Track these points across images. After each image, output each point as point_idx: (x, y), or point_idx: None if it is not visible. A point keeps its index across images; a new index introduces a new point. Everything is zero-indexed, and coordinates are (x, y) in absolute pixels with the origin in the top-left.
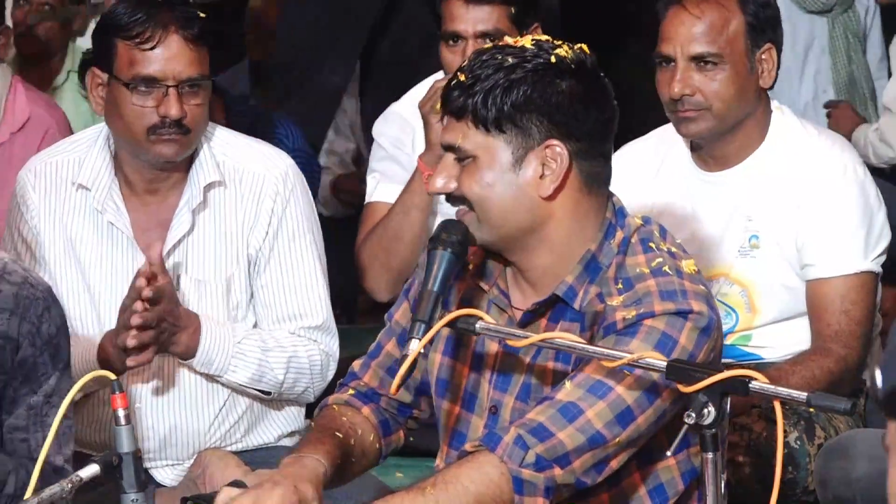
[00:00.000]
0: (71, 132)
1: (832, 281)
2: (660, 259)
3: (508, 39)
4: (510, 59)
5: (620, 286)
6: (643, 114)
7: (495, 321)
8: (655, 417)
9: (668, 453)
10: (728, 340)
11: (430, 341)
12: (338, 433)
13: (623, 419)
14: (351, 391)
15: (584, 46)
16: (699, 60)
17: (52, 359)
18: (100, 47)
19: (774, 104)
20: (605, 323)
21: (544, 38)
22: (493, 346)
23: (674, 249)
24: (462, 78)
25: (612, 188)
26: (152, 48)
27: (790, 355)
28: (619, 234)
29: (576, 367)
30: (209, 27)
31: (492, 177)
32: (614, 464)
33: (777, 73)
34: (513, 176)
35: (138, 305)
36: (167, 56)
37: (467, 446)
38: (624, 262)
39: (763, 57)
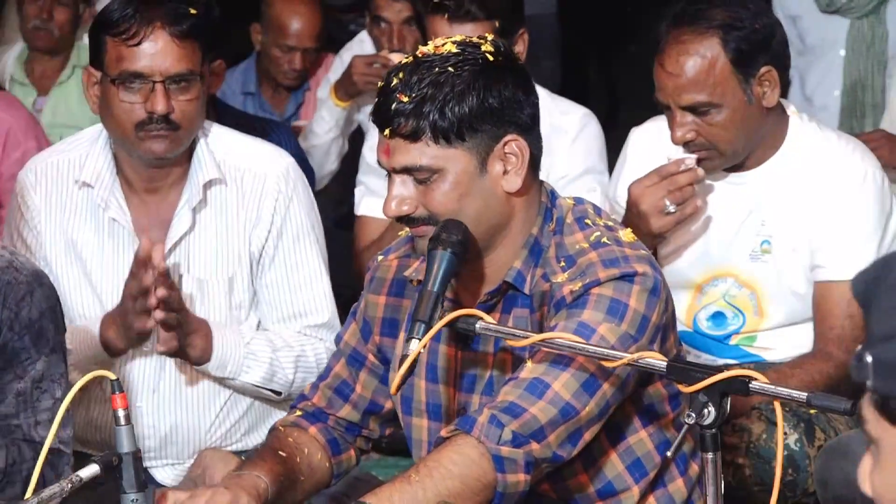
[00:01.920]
0: (39, 131)
1: (840, 284)
2: (598, 233)
3: (425, 49)
4: (449, 68)
5: (563, 264)
6: (640, 113)
7: (449, 332)
8: (620, 383)
9: (668, 453)
10: (733, 341)
11: (388, 363)
12: (281, 452)
13: (589, 387)
14: (299, 412)
15: (490, 35)
16: (692, 109)
17: (35, 343)
18: (92, 45)
19: (791, 109)
20: (554, 300)
21: (459, 37)
22: (449, 352)
23: (610, 223)
24: (404, 99)
25: (623, 167)
26: (138, 44)
27: (793, 357)
28: (555, 215)
29: (533, 351)
30: (200, 23)
31: (462, 188)
32: (587, 436)
33: (782, 88)
34: (481, 181)
35: (161, 292)
36: (153, 52)
37: (443, 432)
38: (563, 241)
39: (762, 80)
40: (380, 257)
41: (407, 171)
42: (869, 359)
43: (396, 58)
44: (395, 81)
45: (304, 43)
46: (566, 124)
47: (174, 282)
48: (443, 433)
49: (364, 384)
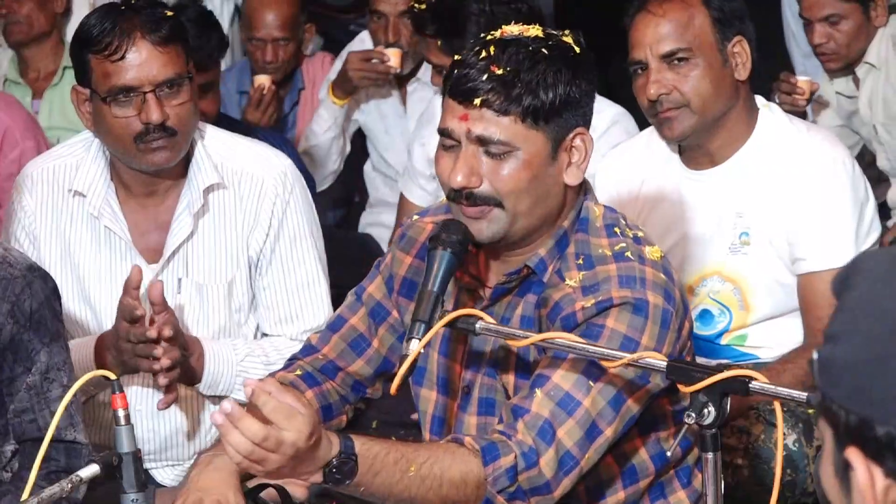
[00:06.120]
0: (38, 132)
1: (823, 274)
2: (623, 244)
3: (509, 29)
4: (543, 50)
5: (581, 262)
6: (637, 115)
7: (465, 305)
8: (622, 426)
9: (668, 453)
10: (723, 341)
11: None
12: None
13: (591, 434)
14: (298, 371)
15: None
16: (670, 58)
17: (38, 334)
18: (77, 64)
19: (761, 101)
20: (563, 313)
21: (536, 29)
22: None
23: (640, 235)
24: (499, 71)
25: (602, 190)
26: (122, 58)
27: (783, 354)
28: (585, 214)
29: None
30: (179, 24)
31: (533, 170)
32: (582, 473)
33: (752, 66)
34: (550, 168)
35: (158, 351)
36: (138, 63)
37: (466, 441)
38: (588, 240)
39: (735, 50)
40: (415, 217)
41: (483, 141)
42: (815, 356)
43: (392, 53)
44: (483, 53)
45: (273, 34)
46: (595, 122)
47: (173, 314)
48: (466, 442)
49: (382, 340)
